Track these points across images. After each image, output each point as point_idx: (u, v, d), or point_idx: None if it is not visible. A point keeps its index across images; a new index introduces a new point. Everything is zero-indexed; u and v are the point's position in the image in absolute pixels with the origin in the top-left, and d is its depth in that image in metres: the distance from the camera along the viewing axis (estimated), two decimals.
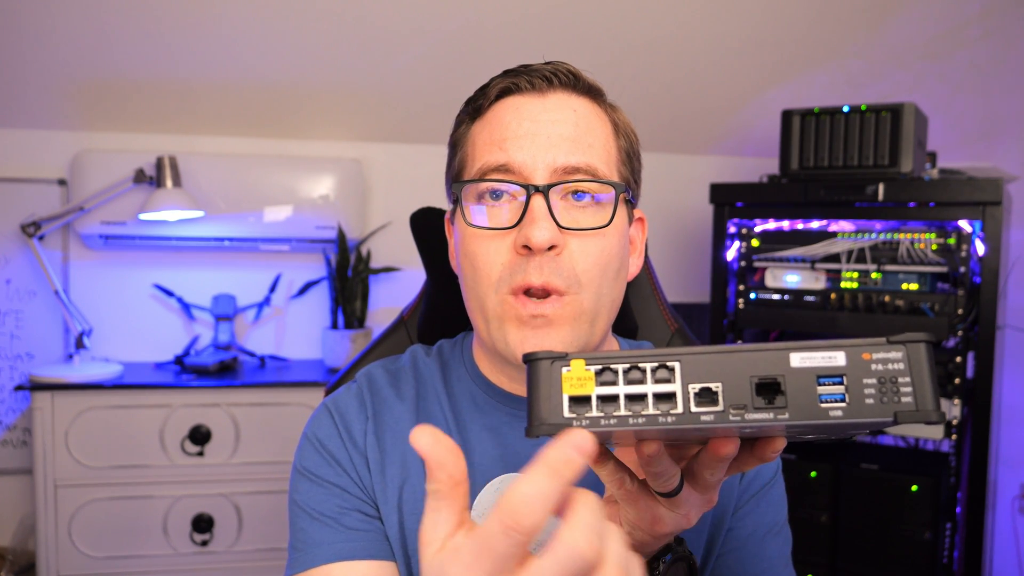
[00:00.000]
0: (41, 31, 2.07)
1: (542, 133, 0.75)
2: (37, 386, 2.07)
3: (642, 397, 0.46)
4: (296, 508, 0.81)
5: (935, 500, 1.90)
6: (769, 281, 2.11)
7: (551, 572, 0.38)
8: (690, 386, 0.45)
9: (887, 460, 2.03)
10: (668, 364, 0.46)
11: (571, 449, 0.39)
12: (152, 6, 2.04)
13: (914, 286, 1.95)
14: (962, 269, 1.89)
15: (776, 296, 2.10)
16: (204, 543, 2.16)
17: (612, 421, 0.45)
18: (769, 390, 0.45)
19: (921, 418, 0.44)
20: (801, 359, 0.45)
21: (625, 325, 1.04)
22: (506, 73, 0.80)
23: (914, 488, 1.91)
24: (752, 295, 2.14)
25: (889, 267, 1.97)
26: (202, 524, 2.15)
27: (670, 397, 0.46)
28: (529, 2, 2.15)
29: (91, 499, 2.10)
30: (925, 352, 0.45)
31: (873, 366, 0.45)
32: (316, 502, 0.80)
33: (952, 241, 1.90)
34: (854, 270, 2.01)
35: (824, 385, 0.45)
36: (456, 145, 0.82)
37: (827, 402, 0.45)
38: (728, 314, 2.17)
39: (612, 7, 2.19)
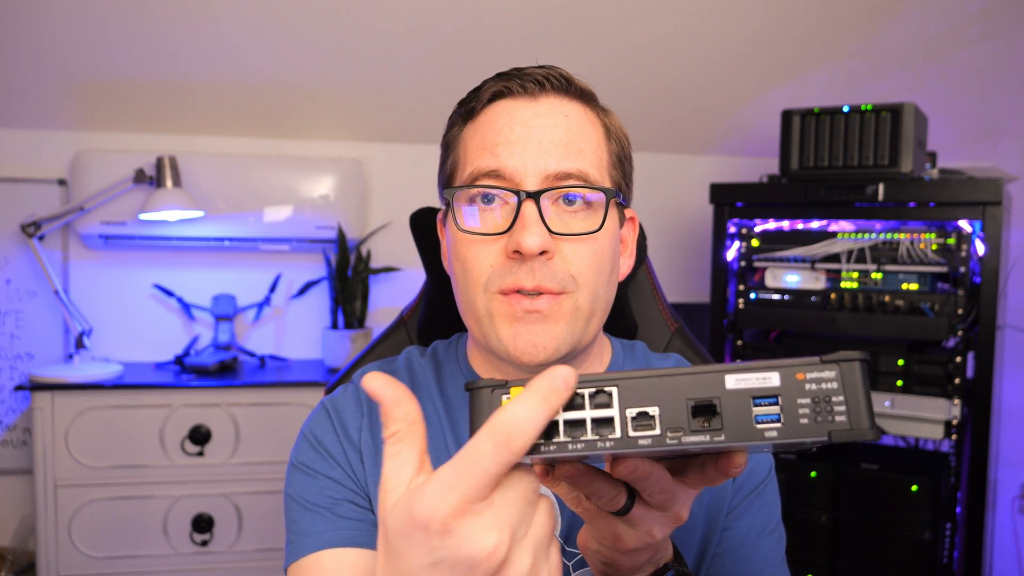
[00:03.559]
0: (41, 31, 2.07)
1: (534, 139, 0.75)
2: (37, 386, 2.07)
3: (581, 423, 0.46)
4: (291, 501, 0.82)
5: (935, 500, 1.90)
6: (769, 281, 2.11)
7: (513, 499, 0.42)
8: (627, 411, 0.46)
9: (887, 460, 2.03)
10: (606, 389, 0.46)
11: (559, 380, 0.43)
12: (152, 6, 2.04)
13: (914, 286, 1.95)
14: (962, 269, 1.89)
15: (776, 296, 2.10)
16: (204, 543, 2.16)
17: (552, 447, 0.46)
18: (705, 412, 0.45)
19: (855, 436, 0.44)
20: (736, 380, 0.45)
21: (625, 325, 1.04)
22: (499, 76, 0.80)
23: (914, 488, 1.91)
24: (752, 295, 2.14)
25: (889, 267, 1.97)
26: (202, 524, 2.15)
27: (608, 422, 0.46)
28: (529, 2, 2.15)
29: (91, 499, 2.10)
30: (859, 371, 0.45)
31: (807, 386, 0.45)
32: (309, 493, 0.81)
33: (952, 241, 1.90)
34: (854, 270, 2.01)
35: (760, 406, 0.45)
36: (448, 147, 0.83)
37: (763, 423, 0.45)
38: (728, 314, 2.17)
39: (612, 7, 2.19)
